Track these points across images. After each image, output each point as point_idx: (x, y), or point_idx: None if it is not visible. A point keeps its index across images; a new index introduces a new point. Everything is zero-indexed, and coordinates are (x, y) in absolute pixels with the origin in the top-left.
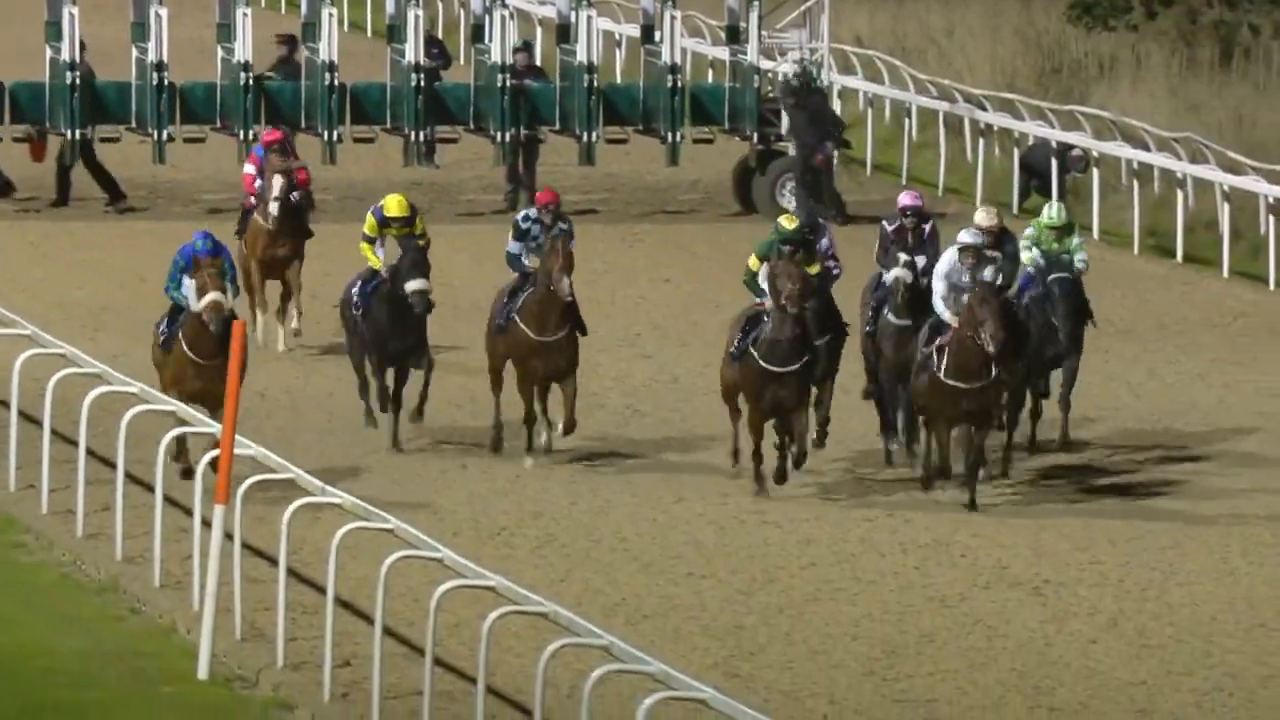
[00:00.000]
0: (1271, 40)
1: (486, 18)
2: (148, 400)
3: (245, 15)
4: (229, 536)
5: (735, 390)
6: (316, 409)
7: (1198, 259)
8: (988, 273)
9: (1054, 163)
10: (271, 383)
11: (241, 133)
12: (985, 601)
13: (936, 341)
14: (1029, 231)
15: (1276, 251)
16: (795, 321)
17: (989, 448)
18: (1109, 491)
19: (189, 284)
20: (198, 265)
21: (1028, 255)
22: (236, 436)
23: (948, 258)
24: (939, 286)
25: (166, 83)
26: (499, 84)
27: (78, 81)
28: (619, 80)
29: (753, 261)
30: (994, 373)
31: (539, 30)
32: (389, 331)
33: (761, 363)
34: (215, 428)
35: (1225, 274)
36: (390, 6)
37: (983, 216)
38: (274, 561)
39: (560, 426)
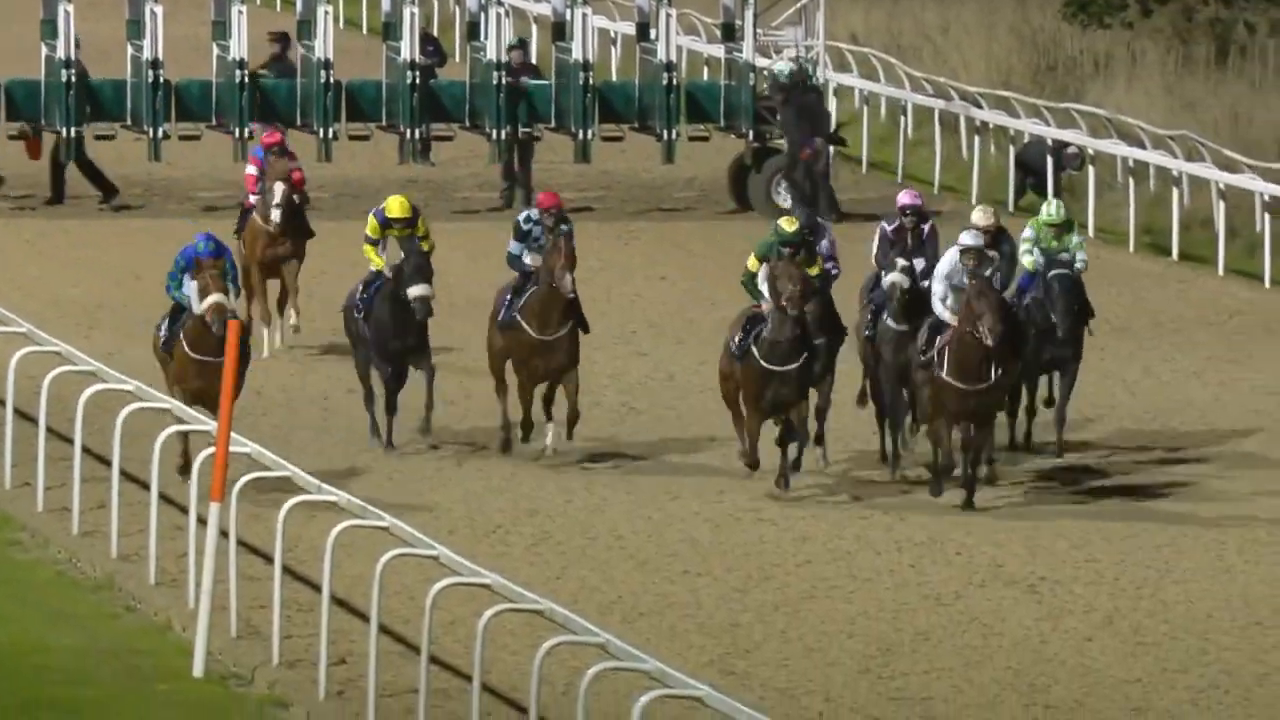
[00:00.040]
0: (1267, 38)
1: (482, 15)
2: (143, 398)
3: (240, 13)
4: (224, 534)
5: (736, 390)
6: (312, 407)
7: (1193, 257)
8: (985, 274)
9: (1049, 160)
10: (268, 381)
11: (237, 130)
12: (981, 599)
13: (937, 342)
14: (1028, 233)
15: (1272, 249)
16: (795, 323)
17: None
18: (1104, 489)
19: (191, 285)
20: (200, 267)
21: (1029, 260)
22: (232, 434)
23: (949, 259)
24: (938, 288)
25: (162, 80)
26: (494, 82)
27: (73, 79)
28: (614, 78)
29: (751, 263)
30: (994, 375)
31: (534, 28)
32: (391, 331)
33: (762, 362)
34: (211, 426)
35: (1221, 272)
36: (385, 4)
37: (980, 216)
38: (269, 559)
39: (564, 429)
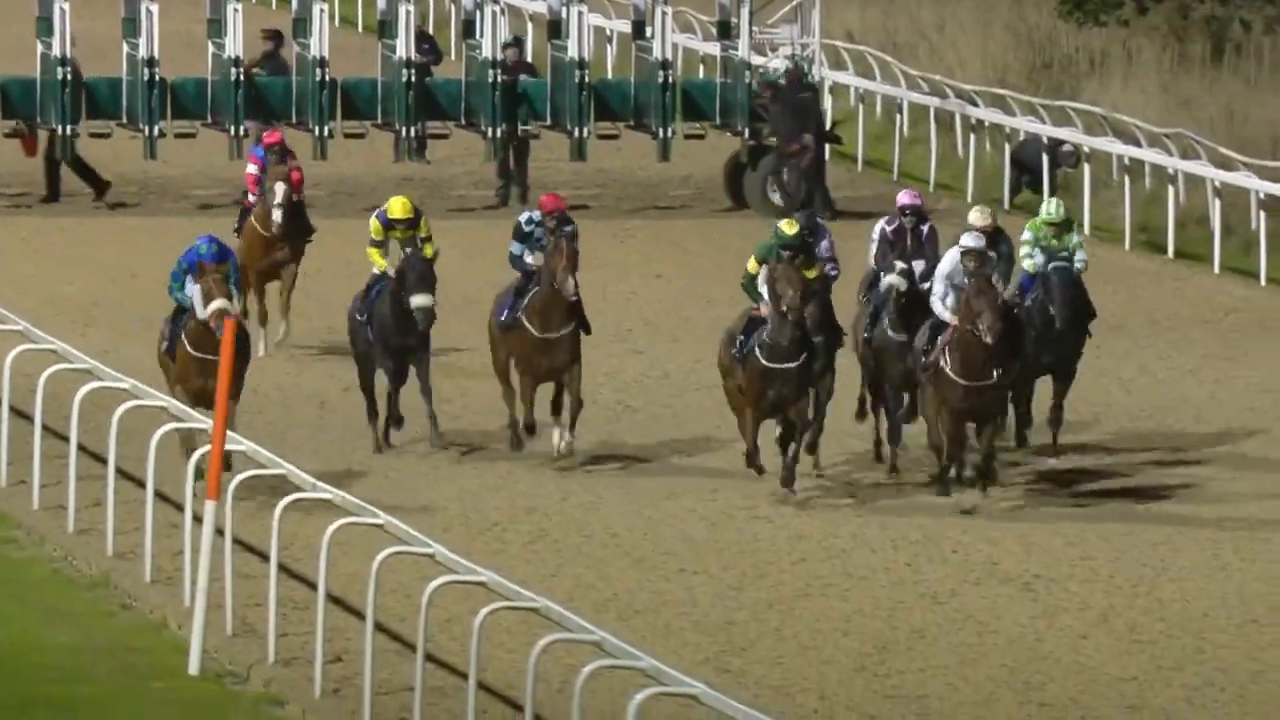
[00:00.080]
0: (1263, 36)
1: (477, 13)
2: (139, 396)
3: (236, 10)
4: (220, 532)
5: (740, 392)
6: (308, 405)
7: (1189, 255)
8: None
9: (1045, 158)
10: (263, 379)
11: (232, 128)
12: (976, 597)
13: (939, 342)
14: (1027, 235)
15: (1268, 247)
16: (795, 326)
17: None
18: (1100, 488)
19: (194, 289)
20: (203, 271)
21: (1030, 263)
22: (228, 432)
23: (949, 259)
24: (939, 288)
25: (157, 78)
26: (490, 80)
27: (69, 77)
28: (610, 76)
29: (751, 265)
30: (996, 373)
31: (530, 26)
32: (394, 329)
33: (763, 361)
34: (207, 423)
35: (1216, 270)
36: (381, 2)
37: (977, 216)
38: (265, 557)
39: (569, 425)
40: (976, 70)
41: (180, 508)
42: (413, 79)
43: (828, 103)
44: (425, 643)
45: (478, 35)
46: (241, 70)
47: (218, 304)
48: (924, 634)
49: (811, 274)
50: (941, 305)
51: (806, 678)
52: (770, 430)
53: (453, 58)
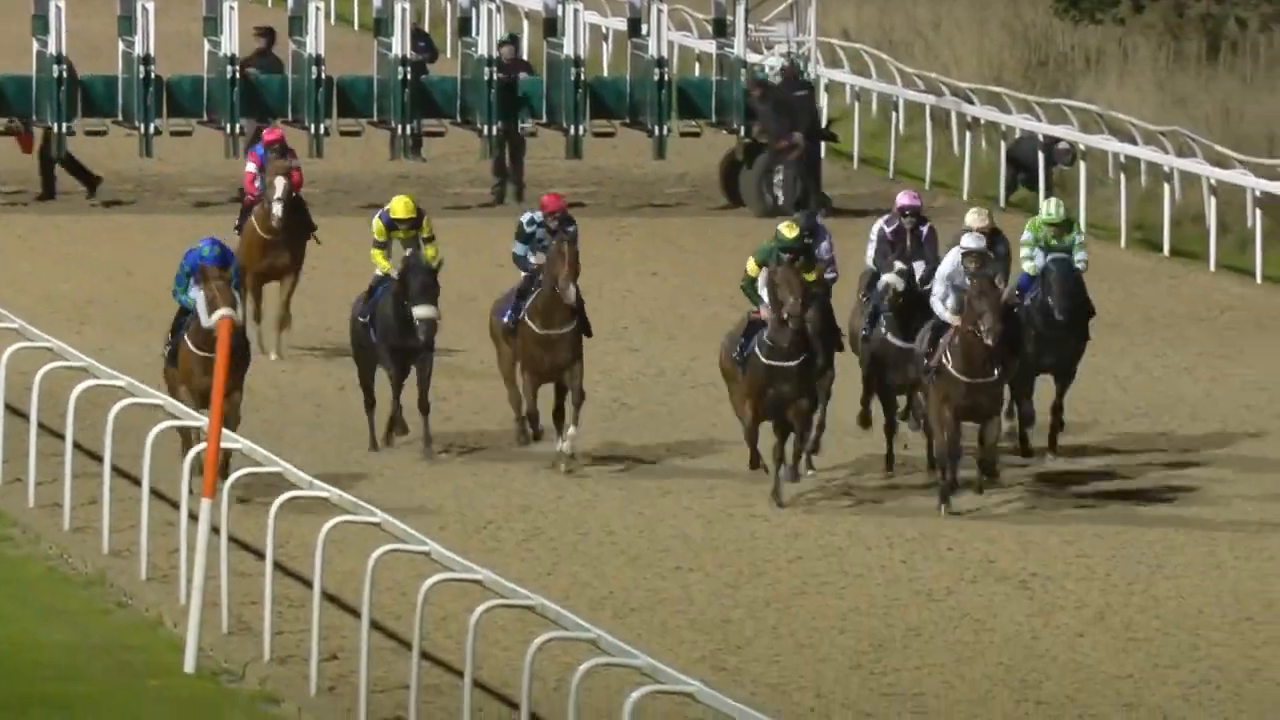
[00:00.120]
0: (1259, 33)
1: (473, 11)
2: (134, 394)
3: (232, 9)
4: (216, 530)
5: (744, 395)
6: (304, 403)
7: (1185, 253)
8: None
9: (1041, 156)
10: (259, 377)
11: (228, 126)
12: (972, 595)
13: (941, 343)
14: (1026, 235)
15: (1263, 245)
16: (795, 332)
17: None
18: (1096, 486)
19: (198, 295)
20: (206, 277)
21: (1030, 264)
22: (224, 430)
23: (950, 260)
24: (939, 288)
25: (153, 76)
26: (485, 78)
27: (64, 74)
28: (606, 74)
29: (751, 267)
30: (997, 371)
31: (525, 24)
32: (397, 331)
33: (764, 359)
34: (202, 421)
35: (1212, 268)
36: (377, 0)
37: (974, 218)
38: (261, 555)
39: (571, 425)
40: (972, 68)
41: (176, 505)
42: (409, 77)
43: (823, 101)
44: (421, 640)
45: (473, 33)
46: (237, 68)
47: (222, 313)
48: (920, 632)
49: (811, 277)
50: (942, 306)
51: (803, 675)
52: (768, 434)
53: (448, 55)
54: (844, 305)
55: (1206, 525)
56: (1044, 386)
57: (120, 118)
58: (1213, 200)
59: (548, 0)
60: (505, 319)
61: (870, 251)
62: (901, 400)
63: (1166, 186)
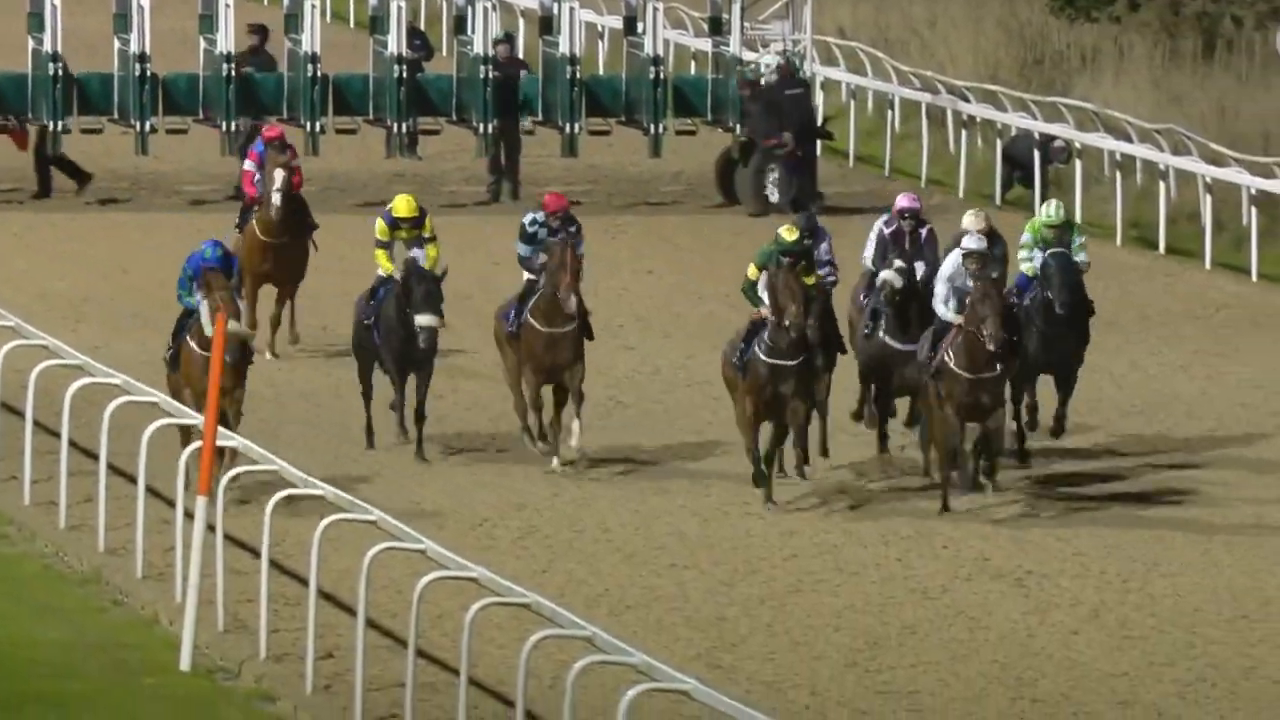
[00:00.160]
0: (1254, 32)
1: (469, 9)
2: (130, 392)
3: (227, 6)
4: (211, 528)
5: (744, 393)
6: (300, 402)
7: (1180, 251)
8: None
9: (1036, 154)
10: (254, 375)
11: (224, 124)
12: (967, 593)
13: (942, 345)
14: (1026, 237)
15: (1259, 243)
16: (795, 339)
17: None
18: (1091, 484)
19: (202, 305)
20: (209, 286)
21: (1028, 265)
22: (219, 429)
23: (951, 261)
24: (941, 290)
25: (149, 74)
26: (481, 76)
27: (60, 72)
28: (601, 72)
29: (751, 270)
30: (998, 367)
31: (521, 22)
32: (399, 336)
33: (764, 357)
34: (198, 419)
35: (1208, 266)
36: None
37: (972, 220)
38: (256, 553)
39: (575, 421)
40: (968, 66)
41: (171, 503)
42: (404, 75)
43: (819, 99)
44: (416, 638)
45: (469, 31)
46: (233, 66)
47: (228, 326)
48: (915, 630)
49: (811, 280)
50: (945, 307)
51: (798, 673)
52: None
53: (444, 54)
54: (842, 306)
55: (1202, 523)
56: (1044, 389)
57: (116, 115)
58: (1208, 198)
59: None
60: (509, 324)
61: (869, 252)
62: (901, 404)
63: (1162, 184)
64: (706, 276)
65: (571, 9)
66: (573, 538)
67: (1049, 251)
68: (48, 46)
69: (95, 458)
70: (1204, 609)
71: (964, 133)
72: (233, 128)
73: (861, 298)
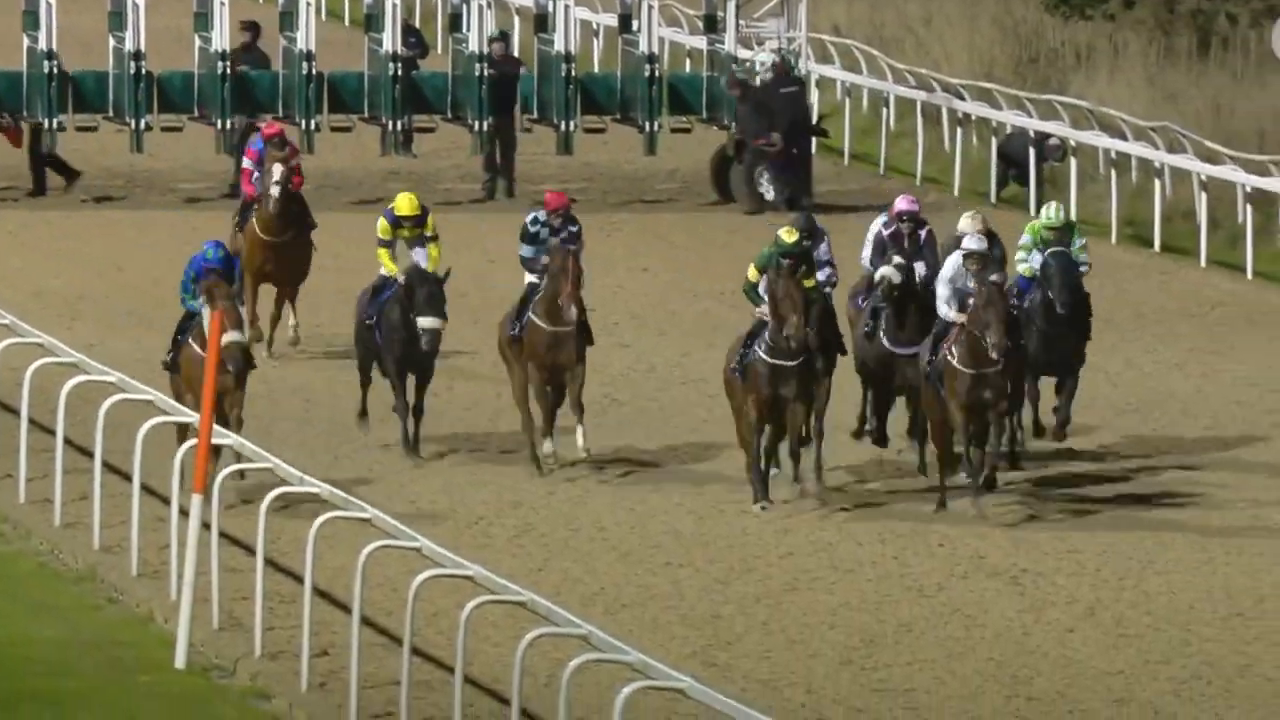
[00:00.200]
0: (1249, 29)
1: (464, 7)
2: (125, 389)
3: (223, 4)
4: (206, 526)
5: (745, 393)
6: (294, 399)
7: (1175, 248)
8: (994, 279)
9: (1031, 152)
10: (250, 374)
11: (219, 122)
12: (963, 591)
13: (944, 343)
14: (1025, 239)
15: (1254, 241)
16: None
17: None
18: (1086, 481)
19: (204, 309)
20: (211, 294)
21: (1025, 266)
22: (215, 426)
23: (952, 263)
24: (943, 292)
25: (144, 72)
26: (476, 73)
27: (55, 70)
28: (596, 70)
29: (751, 273)
30: (1000, 361)
31: (516, 19)
32: (402, 338)
33: (765, 357)
34: (193, 417)
35: (1203, 263)
36: None
37: (968, 223)
38: (252, 551)
39: (579, 443)
40: (963, 64)
41: (167, 501)
42: (399, 72)
43: (814, 97)
44: (412, 636)
45: (464, 29)
46: (228, 64)
47: (230, 337)
48: (911, 628)
49: (810, 283)
50: (946, 307)
51: (794, 671)
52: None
53: (439, 51)
54: (841, 305)
55: (1198, 521)
56: (1044, 391)
57: (111, 113)
58: (1203, 196)
59: None
60: (511, 328)
61: (866, 253)
62: (903, 412)
63: (1157, 182)
64: (702, 274)
65: (566, 6)
66: (568, 536)
67: (1049, 251)
68: (43, 44)
69: (90, 455)
70: (1199, 607)
71: (959, 131)
72: (228, 125)
73: (860, 300)
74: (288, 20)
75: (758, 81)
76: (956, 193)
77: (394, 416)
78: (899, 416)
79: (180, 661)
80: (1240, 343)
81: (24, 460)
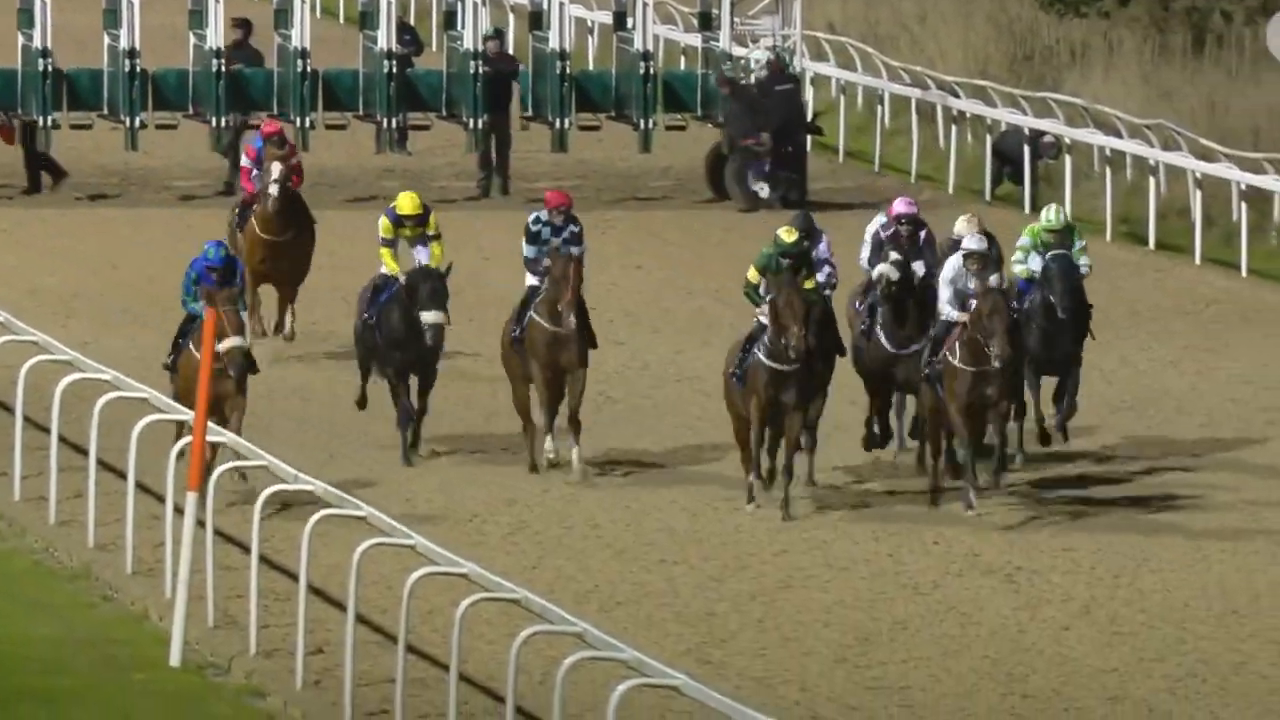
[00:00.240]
0: (1244, 27)
1: (459, 4)
2: (120, 387)
3: (217, 2)
4: (201, 524)
5: (742, 408)
6: (290, 397)
7: (1170, 246)
8: (993, 279)
9: (1026, 149)
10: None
11: (214, 120)
12: (958, 589)
13: (944, 346)
14: (1024, 240)
15: (1248, 238)
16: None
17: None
18: (1082, 479)
19: (207, 312)
20: (212, 299)
21: (1021, 268)
22: (210, 424)
23: (952, 264)
24: (945, 292)
25: (139, 70)
26: (471, 71)
27: (49, 68)
28: (591, 67)
29: (752, 274)
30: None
31: (511, 17)
32: (403, 339)
33: (766, 360)
34: (188, 415)
35: (1197, 261)
36: None
37: (964, 226)
38: (246, 548)
39: (574, 468)
40: (958, 61)
41: (161, 499)
42: (394, 70)
43: (809, 94)
44: (406, 634)
45: (459, 27)
46: (223, 61)
47: (231, 342)
48: (906, 625)
49: (810, 284)
50: (949, 308)
51: (788, 669)
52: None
53: (434, 49)
54: (841, 304)
55: (1192, 519)
56: (1045, 393)
57: (106, 111)
58: (1198, 194)
59: None
60: (514, 330)
61: (864, 253)
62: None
63: (1152, 180)
64: (696, 272)
65: (561, 4)
66: (563, 534)
67: (1050, 254)
68: (37, 42)
69: (85, 453)
70: (1194, 605)
71: (954, 128)
72: (223, 123)
73: (858, 304)
74: (282, 18)
75: (752, 79)
76: (951, 190)
77: (392, 415)
78: (903, 418)
79: (175, 659)
80: (1235, 340)
81: (19, 458)
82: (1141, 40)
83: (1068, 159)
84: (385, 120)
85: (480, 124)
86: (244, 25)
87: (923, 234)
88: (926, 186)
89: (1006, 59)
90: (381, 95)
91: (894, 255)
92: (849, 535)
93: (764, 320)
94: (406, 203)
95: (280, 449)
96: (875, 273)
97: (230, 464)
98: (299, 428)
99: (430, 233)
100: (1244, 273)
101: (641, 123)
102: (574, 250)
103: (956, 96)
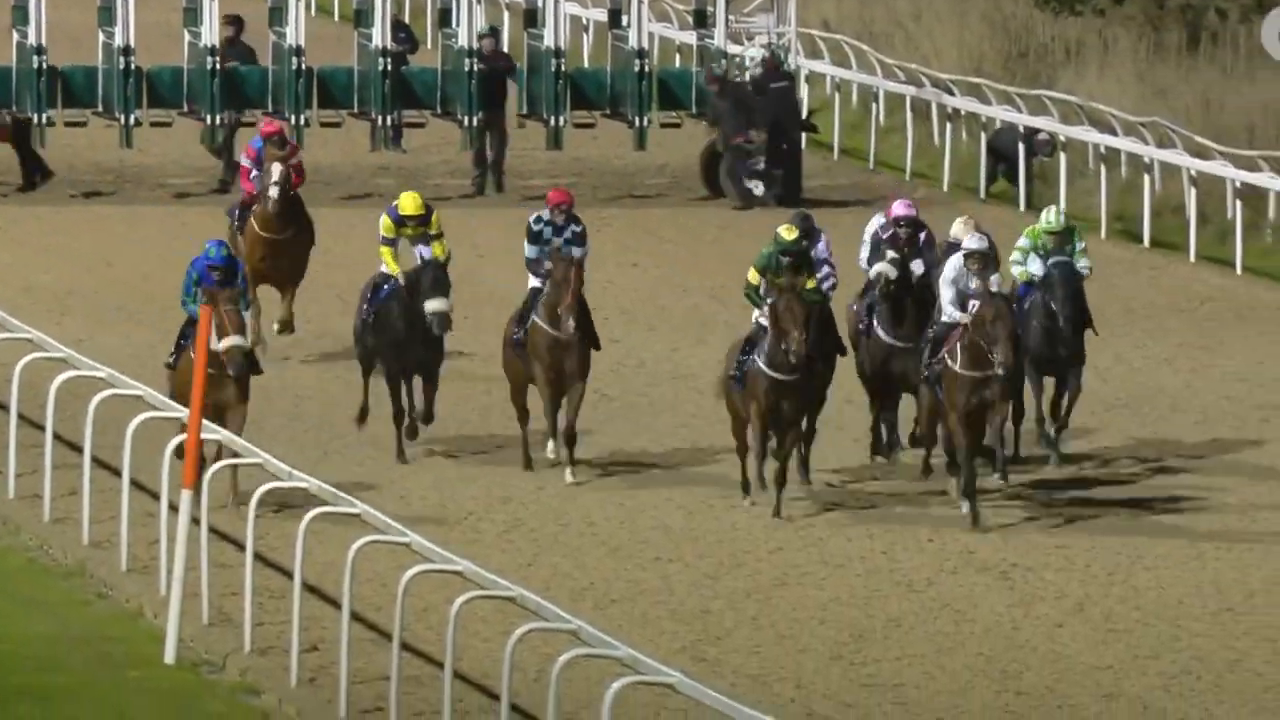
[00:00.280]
0: (1239, 24)
1: (454, 2)
2: (114, 385)
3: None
4: (196, 521)
5: (741, 410)
6: (285, 395)
7: (1165, 244)
8: (994, 280)
9: (1021, 147)
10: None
11: (208, 117)
12: (953, 586)
13: (945, 347)
14: (1023, 242)
15: (1243, 236)
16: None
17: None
18: (1076, 477)
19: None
20: (213, 299)
21: (1020, 269)
22: (205, 422)
23: (953, 264)
24: (946, 293)
25: (133, 67)
26: (466, 69)
27: (44, 66)
28: (586, 65)
29: (752, 275)
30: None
31: (506, 15)
32: (403, 338)
33: (766, 368)
34: (183, 412)
35: (1192, 259)
36: None
37: (961, 228)
38: (241, 546)
39: (566, 475)
40: (953, 59)
41: (156, 496)
42: (389, 68)
43: (804, 92)
44: (401, 632)
45: (454, 24)
46: (218, 59)
47: (231, 341)
48: (901, 622)
49: (810, 284)
50: (951, 309)
51: (783, 666)
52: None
53: (429, 47)
54: (841, 304)
55: (1187, 517)
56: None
57: (100, 109)
58: (1193, 191)
59: None
60: (515, 333)
61: (864, 254)
62: (904, 421)
63: (1146, 178)
64: (691, 269)
65: (556, 2)
66: (558, 531)
67: (1052, 261)
68: (31, 40)
69: (80, 451)
70: (1188, 602)
71: (949, 126)
72: (218, 121)
73: (854, 308)
74: (277, 15)
75: (747, 76)
76: (946, 188)
77: (387, 413)
78: (905, 419)
79: (170, 657)
80: (1229, 338)
81: (13, 455)
82: (1136, 38)
83: (1062, 156)
84: (380, 118)
85: (475, 121)
86: (236, 22)
87: (922, 235)
88: (921, 184)
89: (1001, 56)
90: (376, 93)
91: (890, 253)
92: (844, 533)
93: (764, 323)
94: (409, 203)
95: (275, 446)
96: (873, 271)
97: (225, 462)
98: (293, 425)
99: (432, 232)
100: (1239, 270)
101: (636, 120)
102: (576, 251)
103: (951, 94)
